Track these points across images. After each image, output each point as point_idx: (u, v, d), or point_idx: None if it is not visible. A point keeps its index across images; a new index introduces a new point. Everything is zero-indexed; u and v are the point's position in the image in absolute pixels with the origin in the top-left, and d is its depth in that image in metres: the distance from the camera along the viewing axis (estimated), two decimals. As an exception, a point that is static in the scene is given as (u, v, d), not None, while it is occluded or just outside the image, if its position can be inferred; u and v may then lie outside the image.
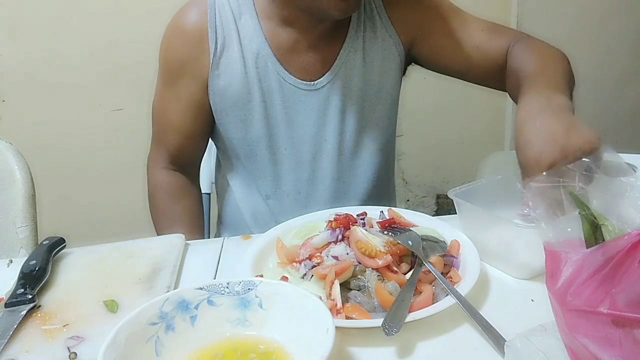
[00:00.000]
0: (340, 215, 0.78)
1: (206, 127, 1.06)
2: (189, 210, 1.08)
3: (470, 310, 0.61)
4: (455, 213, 0.79)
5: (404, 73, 1.09)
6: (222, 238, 0.90)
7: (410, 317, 0.60)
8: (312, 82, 0.99)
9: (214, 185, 1.27)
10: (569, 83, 0.83)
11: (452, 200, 0.77)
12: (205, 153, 1.23)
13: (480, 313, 0.61)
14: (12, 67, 1.99)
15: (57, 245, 0.83)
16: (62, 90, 2.02)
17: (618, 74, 2.44)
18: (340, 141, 1.03)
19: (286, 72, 0.98)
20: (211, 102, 1.01)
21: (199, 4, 0.99)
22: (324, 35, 0.98)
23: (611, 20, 2.35)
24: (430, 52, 1.03)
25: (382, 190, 1.13)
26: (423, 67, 1.08)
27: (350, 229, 0.74)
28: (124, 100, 2.04)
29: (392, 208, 0.85)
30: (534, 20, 2.23)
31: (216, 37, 0.97)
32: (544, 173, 0.62)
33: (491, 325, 0.59)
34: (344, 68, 0.99)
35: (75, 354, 0.61)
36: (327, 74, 0.99)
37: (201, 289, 0.61)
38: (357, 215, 0.80)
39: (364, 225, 0.77)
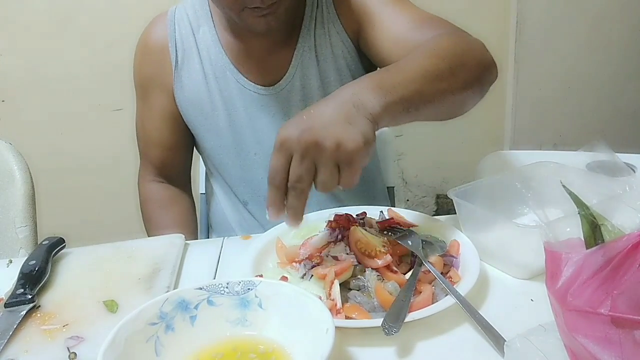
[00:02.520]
0: (340, 215, 0.78)
1: (185, 138, 1.08)
2: (179, 218, 1.09)
3: (470, 310, 0.61)
4: (455, 213, 0.79)
5: (368, 70, 1.03)
6: (222, 238, 0.90)
7: (410, 317, 0.60)
8: (271, 87, 0.99)
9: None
10: (430, 81, 0.69)
11: (452, 200, 0.77)
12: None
13: (480, 313, 0.61)
14: (12, 67, 1.99)
15: (56, 245, 0.83)
16: (62, 90, 2.03)
17: (618, 73, 2.44)
18: None
19: (245, 79, 0.99)
20: (181, 114, 1.03)
21: (161, 20, 1.02)
22: (278, 40, 0.98)
23: (611, 20, 2.35)
24: (366, 45, 0.96)
25: (367, 189, 1.12)
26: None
27: (350, 229, 0.74)
28: (124, 100, 2.03)
29: (392, 208, 0.85)
30: (534, 20, 2.24)
31: (176, 50, 1.00)
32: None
33: (491, 325, 0.59)
34: (300, 68, 0.98)
35: (75, 354, 0.61)
36: (284, 76, 0.99)
37: (201, 289, 0.61)
38: (357, 215, 0.80)
39: (363, 225, 0.77)
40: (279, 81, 0.99)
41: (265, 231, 0.83)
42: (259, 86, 0.99)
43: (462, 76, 0.74)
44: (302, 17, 0.98)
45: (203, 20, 1.00)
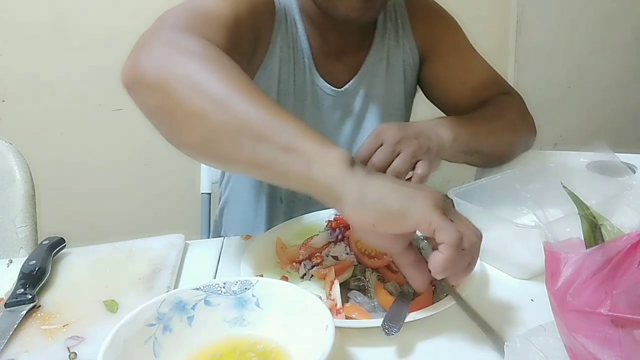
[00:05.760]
0: (340, 215, 0.78)
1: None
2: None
3: (470, 310, 0.61)
4: (455, 213, 0.79)
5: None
6: (222, 238, 0.90)
7: (410, 317, 0.60)
8: (339, 88, 0.99)
9: (214, 185, 1.27)
10: (481, 140, 0.91)
11: (452, 200, 0.77)
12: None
13: (480, 313, 0.61)
14: (12, 67, 1.99)
15: (57, 245, 0.83)
16: (62, 90, 2.02)
17: (618, 73, 2.44)
18: (351, 148, 1.02)
19: (317, 75, 0.98)
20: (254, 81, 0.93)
21: None
22: (351, 42, 0.98)
23: (611, 20, 2.35)
24: (430, 76, 1.03)
25: None
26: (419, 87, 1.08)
27: (350, 228, 0.73)
28: (124, 100, 2.01)
29: (392, 208, 0.84)
30: (534, 20, 2.23)
31: (280, 19, 0.93)
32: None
33: (491, 326, 0.59)
34: (369, 75, 0.99)
35: (75, 354, 0.61)
36: (352, 80, 0.99)
37: (198, 289, 0.61)
38: (357, 215, 0.79)
39: (363, 225, 0.77)
40: (346, 84, 0.99)
41: None
42: (327, 84, 0.98)
43: (516, 147, 1.01)
44: (373, 27, 1.00)
45: (294, 6, 0.95)
